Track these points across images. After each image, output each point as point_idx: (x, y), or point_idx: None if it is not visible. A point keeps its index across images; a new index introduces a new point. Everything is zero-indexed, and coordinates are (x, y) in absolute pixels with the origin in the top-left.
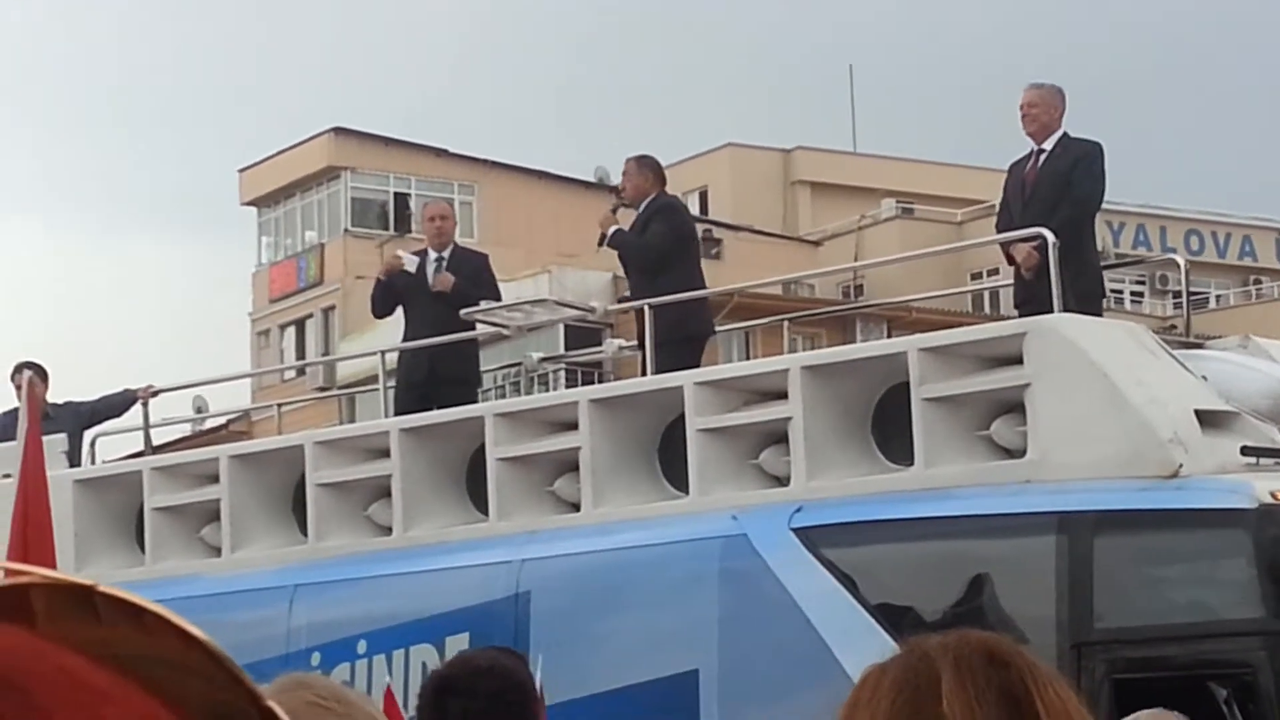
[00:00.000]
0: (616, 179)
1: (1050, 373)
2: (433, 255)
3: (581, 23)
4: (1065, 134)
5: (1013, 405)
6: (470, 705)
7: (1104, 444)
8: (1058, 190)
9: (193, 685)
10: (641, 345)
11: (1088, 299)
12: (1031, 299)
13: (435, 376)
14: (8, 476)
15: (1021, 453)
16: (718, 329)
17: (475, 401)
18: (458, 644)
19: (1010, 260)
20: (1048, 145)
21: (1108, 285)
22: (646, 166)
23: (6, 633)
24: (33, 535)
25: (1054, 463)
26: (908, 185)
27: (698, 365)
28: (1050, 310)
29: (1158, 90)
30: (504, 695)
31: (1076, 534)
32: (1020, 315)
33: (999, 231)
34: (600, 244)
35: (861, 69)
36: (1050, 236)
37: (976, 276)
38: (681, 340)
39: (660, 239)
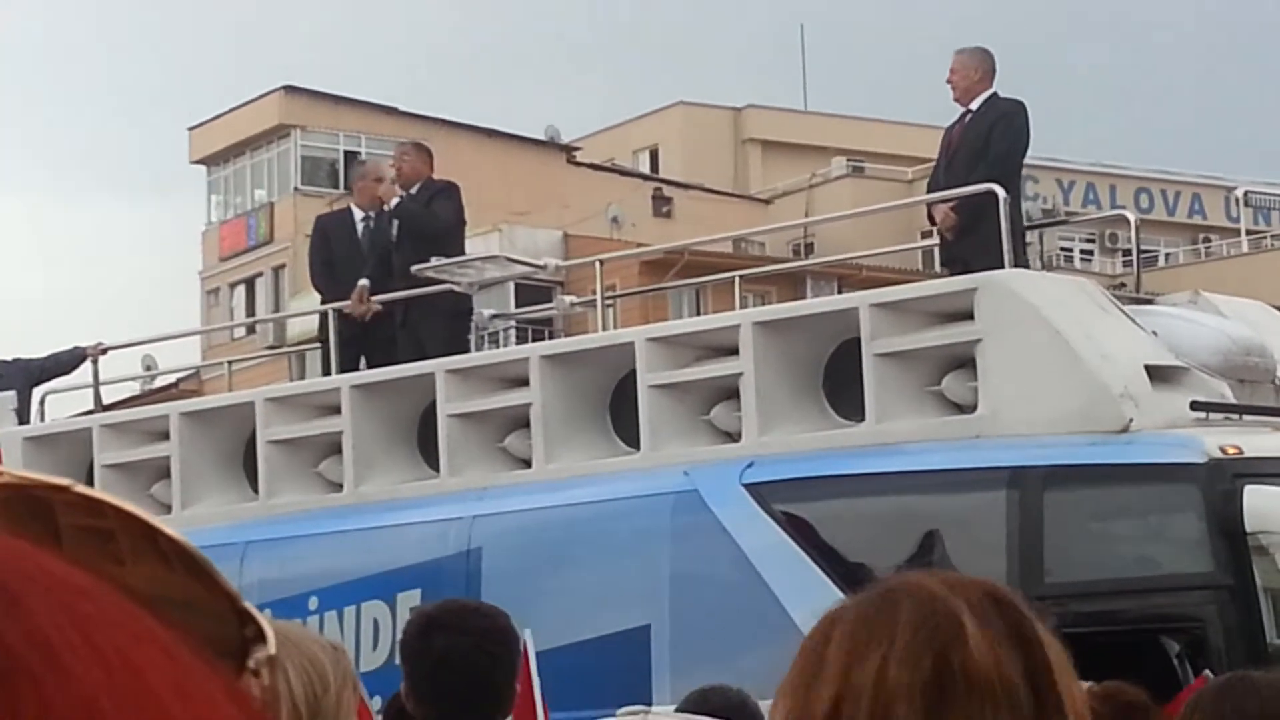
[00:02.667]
0: (567, 137)
1: (1001, 328)
2: (360, 214)
3: None
4: (994, 94)
5: (964, 361)
6: (456, 641)
7: (1055, 399)
8: (976, 151)
9: (185, 612)
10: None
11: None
12: (955, 259)
13: (369, 335)
14: None
15: (972, 408)
16: (669, 285)
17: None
18: (409, 600)
19: (932, 221)
20: (974, 105)
21: (1058, 243)
22: (423, 151)
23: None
24: None
25: (1005, 418)
26: (858, 144)
27: (465, 341)
28: (972, 269)
29: (1108, 48)
30: (489, 634)
31: (1027, 489)
32: (950, 275)
33: (929, 193)
34: (380, 207)
35: (812, 27)
36: (1001, 192)
37: (927, 234)
38: (449, 315)
39: (447, 214)
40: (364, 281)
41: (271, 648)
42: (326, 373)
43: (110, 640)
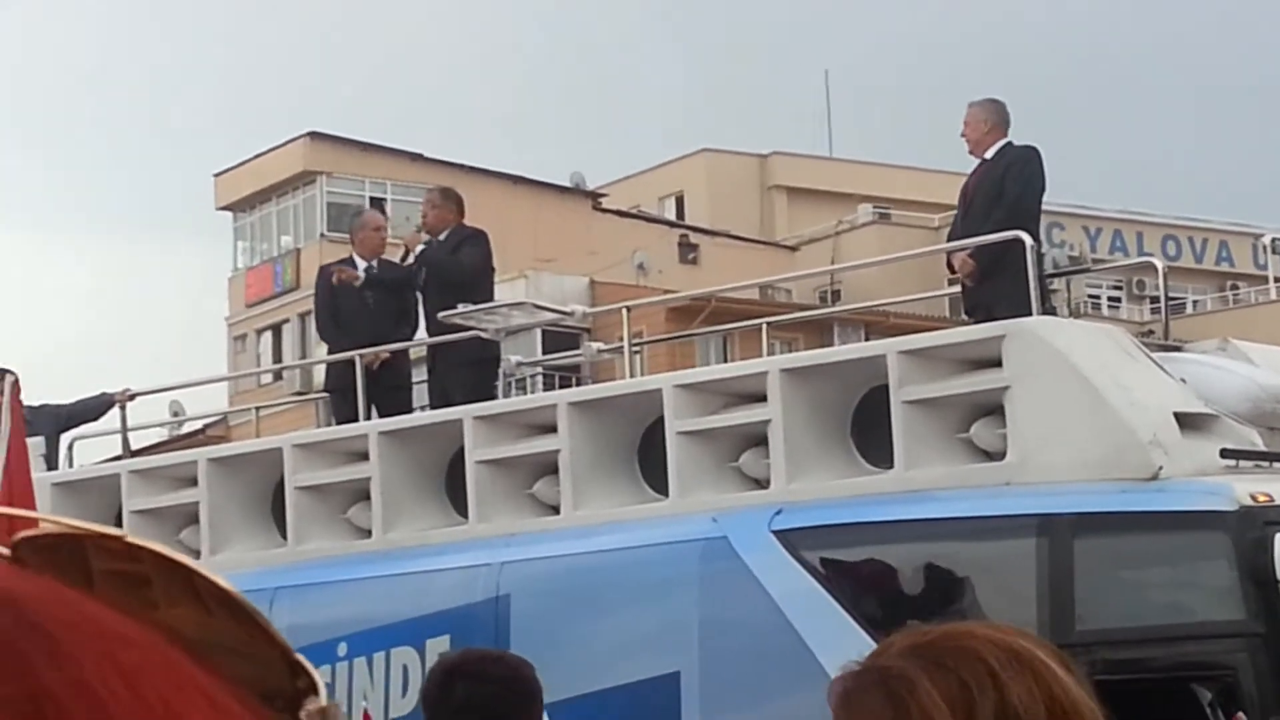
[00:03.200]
0: (592, 184)
1: (1029, 375)
2: (362, 265)
3: (557, 27)
4: (1008, 143)
5: (992, 408)
6: (477, 689)
7: (1084, 446)
8: (991, 198)
9: (228, 658)
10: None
11: (1025, 303)
12: (977, 306)
13: (378, 384)
14: None
15: (1001, 455)
16: (696, 332)
17: (410, 407)
18: (438, 646)
19: (951, 269)
20: (989, 155)
21: (1086, 290)
22: (450, 199)
23: (38, 581)
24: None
25: (1034, 465)
26: (884, 190)
27: (492, 388)
28: (994, 316)
29: (1135, 96)
30: (511, 684)
31: (1057, 536)
32: (973, 322)
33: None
34: (404, 258)
35: (837, 74)
36: (1027, 239)
37: (954, 282)
38: (475, 362)
39: (474, 261)
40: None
41: (324, 699)
42: (338, 422)
43: (154, 688)
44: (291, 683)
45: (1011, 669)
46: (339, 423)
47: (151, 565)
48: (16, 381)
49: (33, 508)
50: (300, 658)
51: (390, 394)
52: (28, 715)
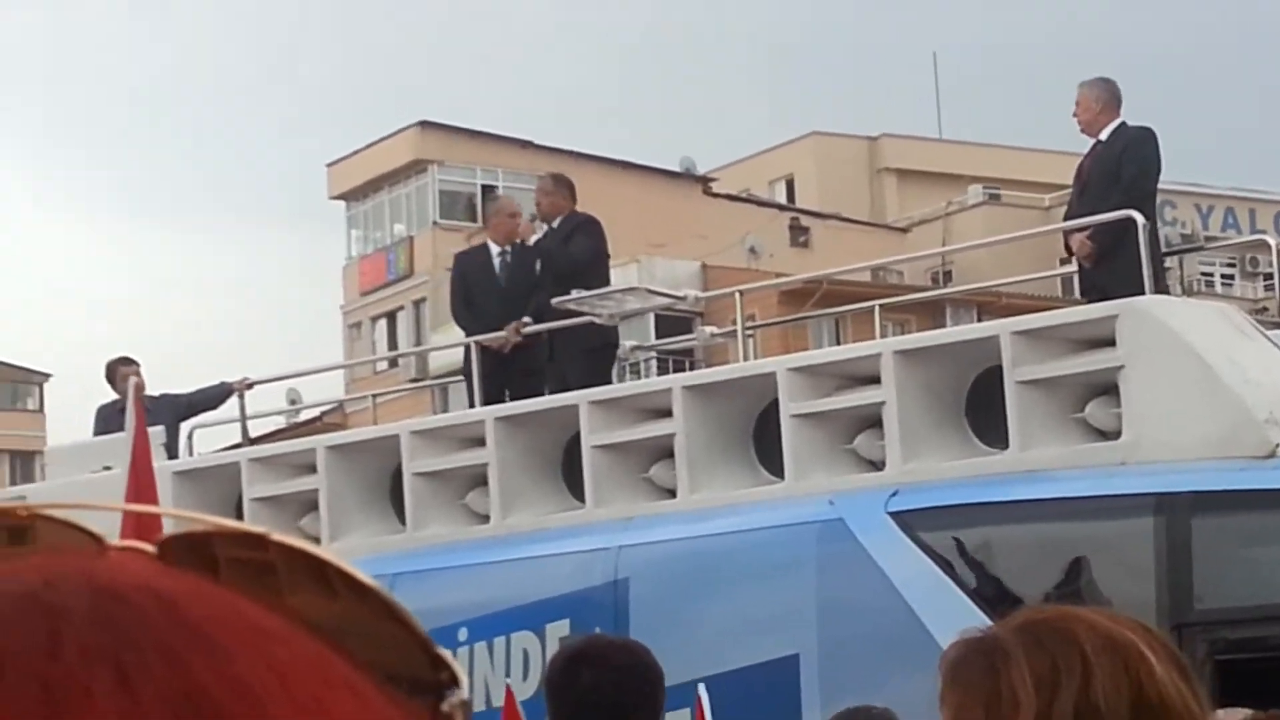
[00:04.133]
0: (702, 169)
1: (1143, 354)
2: (495, 250)
3: (665, 12)
4: (1123, 124)
5: (1106, 387)
6: (601, 675)
7: (1199, 425)
8: (1108, 179)
9: (360, 644)
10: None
11: (1139, 282)
12: (1094, 286)
13: (511, 368)
14: (108, 469)
15: (1116, 434)
16: (809, 314)
17: (543, 390)
18: (558, 631)
19: (1069, 250)
20: (1104, 136)
21: (1199, 268)
22: (563, 185)
23: (188, 578)
24: (144, 528)
25: (1149, 444)
26: (994, 171)
27: (608, 374)
28: (1110, 296)
29: (1249, 71)
30: (635, 670)
31: (1174, 515)
32: (1089, 303)
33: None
34: (520, 240)
35: (945, 55)
36: (1140, 218)
37: (1065, 261)
38: (591, 348)
39: (584, 251)
40: (526, 319)
41: (465, 692)
42: (471, 405)
43: (304, 686)
44: (434, 674)
45: (1104, 656)
46: (472, 406)
47: (277, 552)
48: (139, 375)
49: (155, 502)
50: (442, 651)
51: (524, 378)
52: (185, 714)
